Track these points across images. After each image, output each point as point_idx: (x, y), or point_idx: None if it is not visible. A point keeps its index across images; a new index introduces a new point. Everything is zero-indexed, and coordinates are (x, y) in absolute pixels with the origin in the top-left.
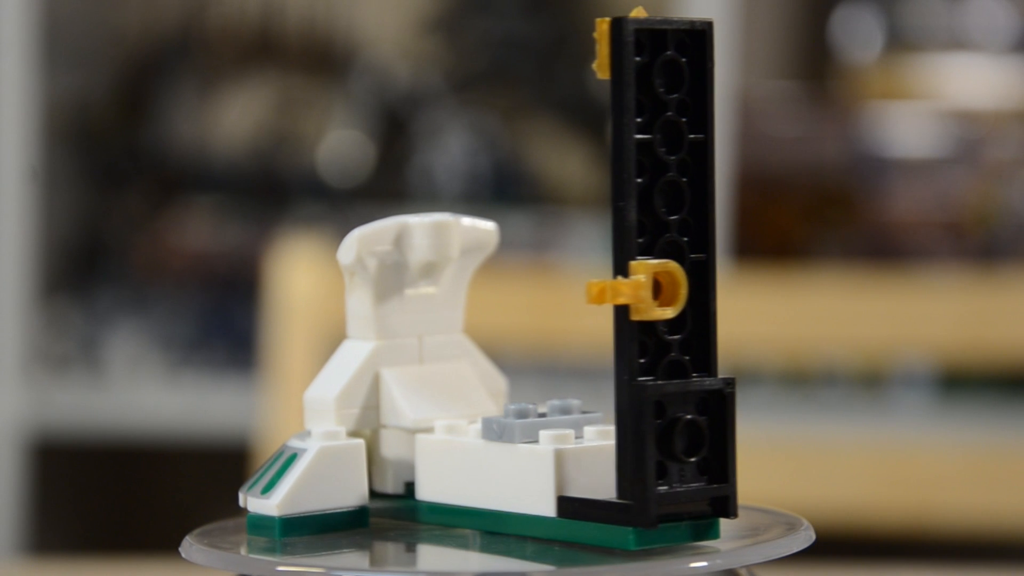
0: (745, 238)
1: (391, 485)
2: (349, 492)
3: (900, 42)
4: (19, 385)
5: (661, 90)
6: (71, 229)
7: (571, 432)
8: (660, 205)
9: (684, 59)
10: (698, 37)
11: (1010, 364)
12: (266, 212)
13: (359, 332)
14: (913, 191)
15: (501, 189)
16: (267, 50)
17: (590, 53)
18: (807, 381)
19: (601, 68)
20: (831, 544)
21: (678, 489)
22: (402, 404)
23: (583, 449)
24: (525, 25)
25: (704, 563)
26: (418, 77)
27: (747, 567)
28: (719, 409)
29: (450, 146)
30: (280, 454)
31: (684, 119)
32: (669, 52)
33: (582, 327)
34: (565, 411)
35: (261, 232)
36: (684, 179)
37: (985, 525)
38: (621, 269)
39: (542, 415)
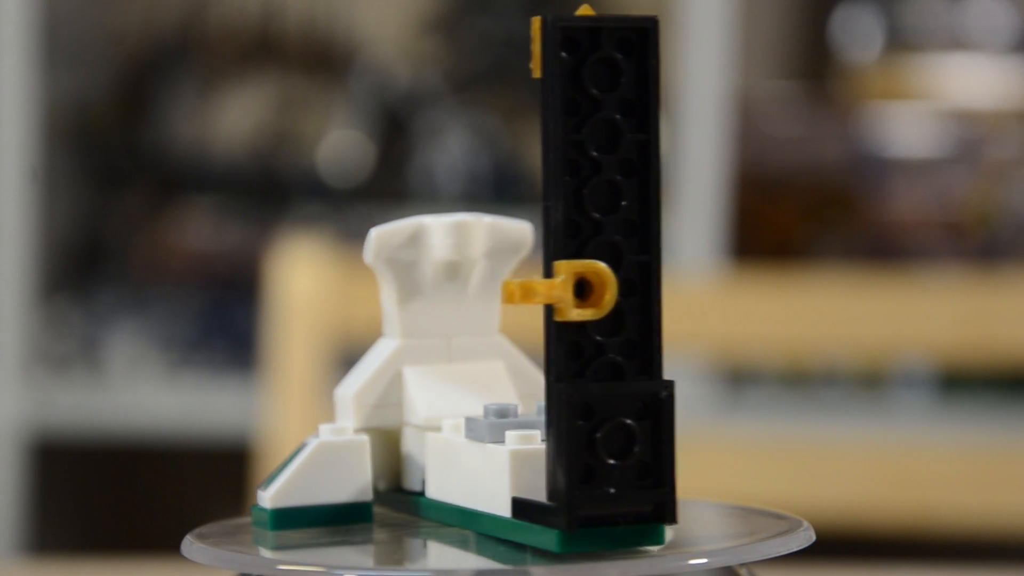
0: (745, 238)
1: (410, 482)
2: (349, 487)
3: (900, 42)
4: (19, 385)
5: (594, 89)
6: (71, 229)
7: (539, 433)
8: (594, 205)
9: (622, 57)
10: (642, 35)
11: (1010, 364)
12: (266, 212)
13: (388, 330)
14: (913, 191)
15: (501, 189)
16: (267, 50)
17: None
18: (807, 381)
19: (535, 67)
20: (831, 544)
21: (606, 493)
22: (417, 401)
23: (541, 451)
24: (525, 25)
25: (704, 560)
26: (418, 77)
27: (746, 566)
28: (656, 413)
29: (450, 146)
30: (296, 450)
31: (623, 118)
32: (603, 50)
33: None
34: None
35: (261, 232)
36: (623, 179)
37: (985, 525)
38: (546, 269)
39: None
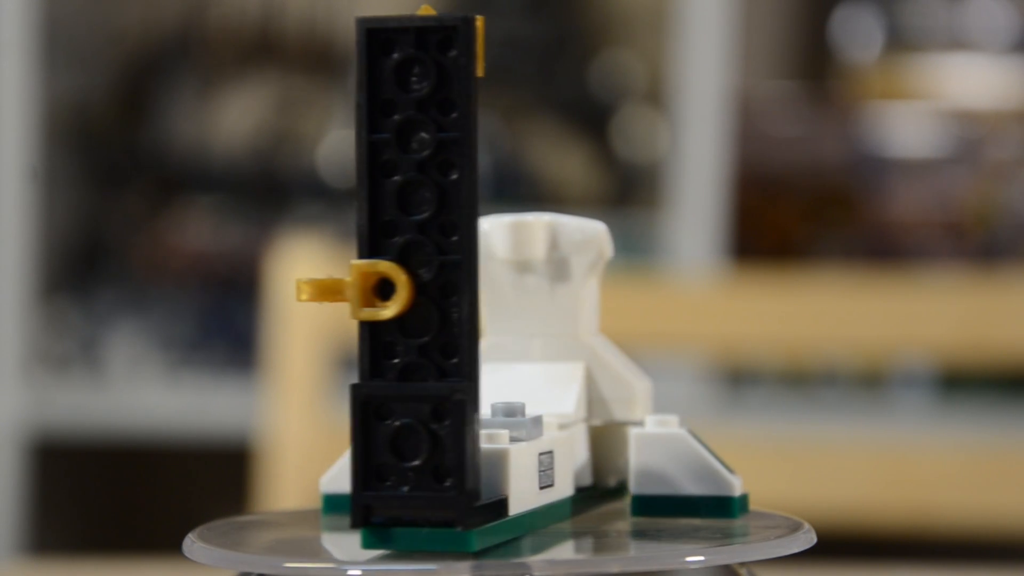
0: (745, 238)
1: None
2: None
3: (900, 42)
4: (19, 385)
5: (400, 89)
6: (71, 229)
7: (507, 433)
8: (400, 206)
9: (428, 57)
10: (450, 34)
11: (1010, 364)
12: (266, 212)
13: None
14: (913, 191)
15: (501, 189)
16: (267, 50)
17: (590, 53)
18: (807, 381)
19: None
20: (831, 544)
21: (399, 494)
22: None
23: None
24: (525, 25)
25: (701, 557)
26: None
27: (746, 565)
28: (450, 415)
29: None
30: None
31: (428, 117)
32: (411, 50)
33: None
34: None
35: (261, 232)
36: (427, 179)
37: (985, 525)
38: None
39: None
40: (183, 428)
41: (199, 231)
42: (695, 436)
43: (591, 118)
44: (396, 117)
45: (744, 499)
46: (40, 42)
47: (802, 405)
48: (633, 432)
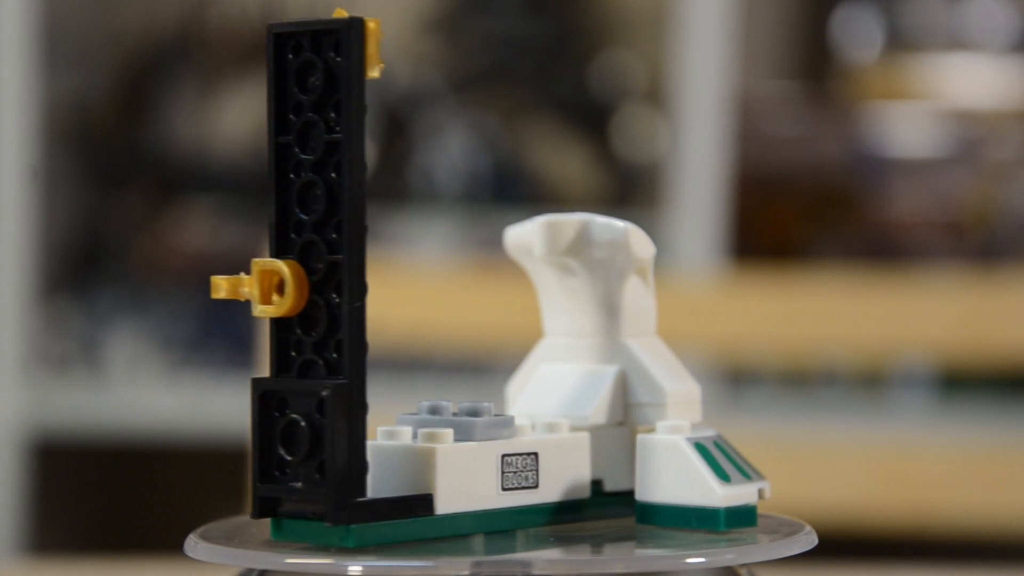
0: (745, 238)
1: None
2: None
3: (900, 42)
4: (19, 385)
5: (299, 92)
6: (71, 229)
7: (444, 432)
8: (298, 206)
9: (319, 59)
10: (337, 37)
11: (1010, 364)
12: (266, 212)
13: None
14: (913, 191)
15: (501, 189)
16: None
17: (590, 53)
18: (807, 381)
19: None
20: (831, 544)
21: (290, 487)
22: (518, 402)
23: (402, 447)
24: (525, 25)
25: (702, 559)
26: (418, 77)
27: (747, 566)
28: (325, 410)
29: (450, 146)
30: None
31: (321, 119)
32: (308, 54)
33: None
34: (473, 413)
35: (261, 232)
36: (321, 179)
37: (985, 525)
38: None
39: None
40: (183, 428)
41: (199, 231)
42: (716, 442)
43: (591, 118)
44: (296, 119)
45: (740, 511)
46: (40, 42)
47: (802, 405)
48: (639, 439)
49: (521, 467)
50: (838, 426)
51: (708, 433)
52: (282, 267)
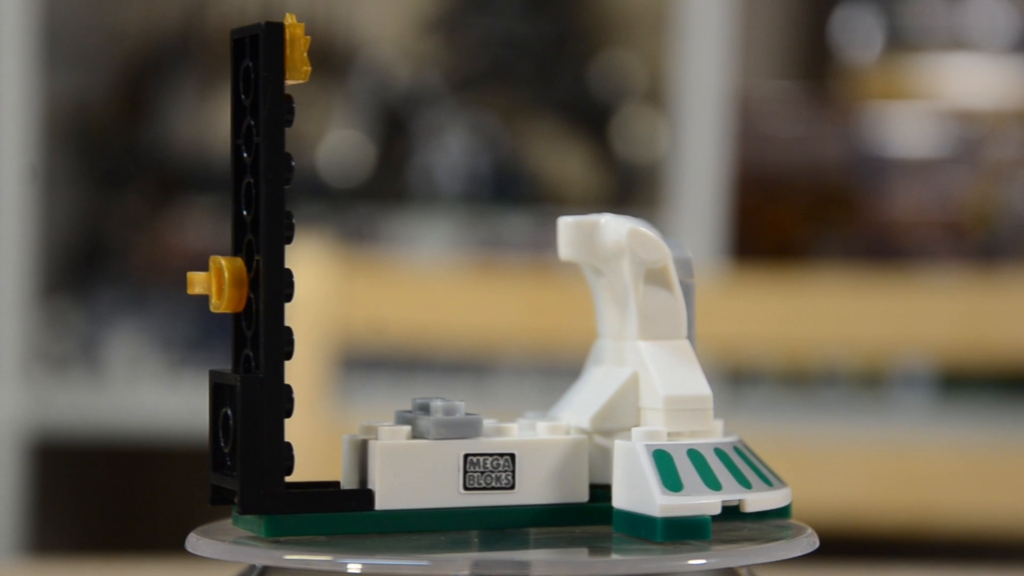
0: (745, 238)
1: None
2: None
3: (900, 42)
4: (19, 385)
5: (243, 95)
6: (71, 229)
7: (401, 429)
8: (244, 206)
9: (251, 63)
10: (256, 41)
11: (1010, 364)
12: None
13: None
14: (913, 191)
15: (501, 189)
16: None
17: (590, 53)
18: (807, 381)
19: None
20: (831, 544)
21: (227, 476)
22: (561, 404)
23: (348, 442)
24: (525, 25)
25: (703, 561)
26: (418, 77)
27: (747, 567)
28: (237, 404)
29: (450, 146)
30: None
31: (256, 122)
32: (247, 60)
33: (582, 327)
34: (449, 411)
35: None
36: (255, 180)
37: (985, 525)
38: None
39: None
40: (183, 428)
41: (199, 231)
42: (719, 450)
43: (591, 118)
44: (242, 122)
45: (684, 522)
46: (40, 42)
47: (802, 405)
48: (615, 443)
49: (490, 468)
50: (838, 426)
51: (711, 440)
52: (222, 264)
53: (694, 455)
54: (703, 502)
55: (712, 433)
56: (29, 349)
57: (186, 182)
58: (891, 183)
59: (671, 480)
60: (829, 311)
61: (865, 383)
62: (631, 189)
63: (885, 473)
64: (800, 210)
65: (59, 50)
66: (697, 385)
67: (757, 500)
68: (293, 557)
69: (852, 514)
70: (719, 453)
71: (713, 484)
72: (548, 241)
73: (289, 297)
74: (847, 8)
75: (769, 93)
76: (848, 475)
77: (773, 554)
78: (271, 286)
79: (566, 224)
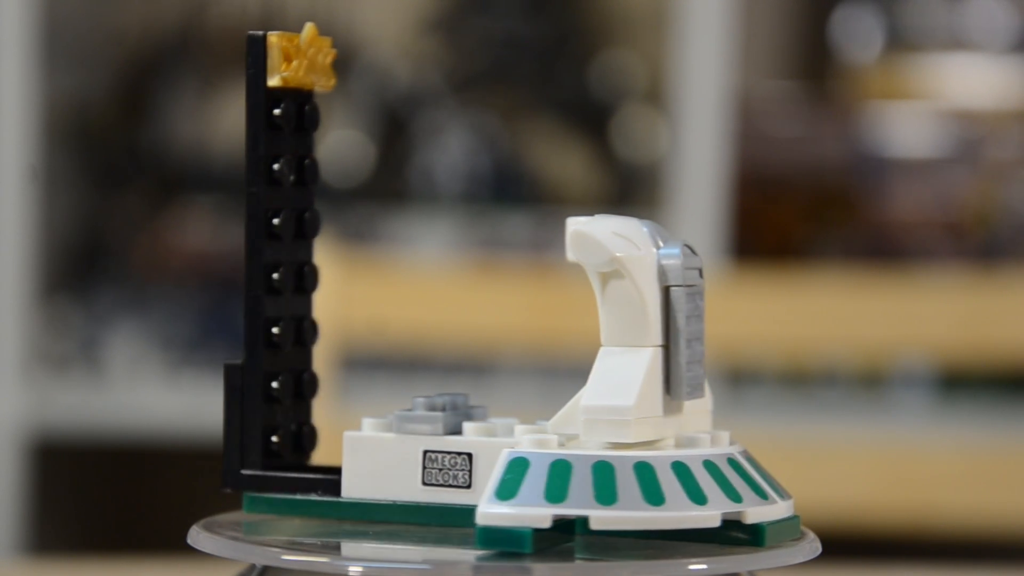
0: (745, 238)
1: None
2: None
3: (900, 42)
4: (19, 385)
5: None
6: (71, 229)
7: (382, 421)
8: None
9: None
10: (248, 49)
11: (1010, 364)
12: None
13: None
14: (913, 191)
15: (501, 189)
16: None
17: (590, 53)
18: (807, 381)
19: None
20: (831, 544)
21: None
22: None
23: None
24: (525, 25)
25: (703, 566)
26: (418, 77)
27: (748, 571)
28: (225, 387)
29: (450, 146)
30: None
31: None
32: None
33: (582, 327)
34: (452, 407)
35: None
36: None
37: (985, 525)
38: None
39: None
40: (183, 428)
41: (199, 231)
42: (642, 464)
43: (591, 118)
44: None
45: (491, 531)
46: (40, 42)
47: (802, 405)
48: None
49: (448, 465)
50: (838, 426)
51: (608, 453)
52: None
53: (559, 465)
54: (529, 513)
55: (634, 447)
56: (29, 349)
57: (186, 182)
58: (891, 183)
59: (507, 489)
60: (829, 311)
61: (865, 383)
62: (631, 189)
63: (885, 473)
64: (800, 210)
65: (59, 50)
66: (621, 396)
67: (603, 518)
68: (293, 558)
69: (852, 514)
70: (601, 466)
71: (555, 497)
72: (548, 241)
73: (311, 287)
74: (847, 8)
75: (769, 93)
76: (848, 475)
77: (774, 560)
78: (252, 280)
79: (567, 227)
